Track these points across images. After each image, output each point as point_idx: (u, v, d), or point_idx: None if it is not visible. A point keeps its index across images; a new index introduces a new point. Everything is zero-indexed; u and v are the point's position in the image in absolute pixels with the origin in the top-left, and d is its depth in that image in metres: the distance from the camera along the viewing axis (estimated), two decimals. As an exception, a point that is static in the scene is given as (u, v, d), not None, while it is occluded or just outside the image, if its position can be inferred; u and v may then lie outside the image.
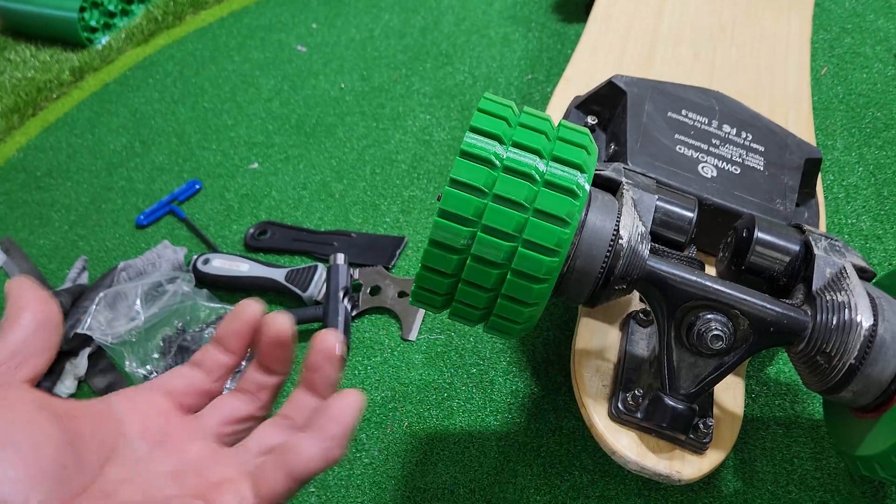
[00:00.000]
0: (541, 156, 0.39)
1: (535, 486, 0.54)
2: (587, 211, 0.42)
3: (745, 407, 0.54)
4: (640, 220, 0.43)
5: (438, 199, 0.40)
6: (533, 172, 0.39)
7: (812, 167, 0.58)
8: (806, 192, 0.59)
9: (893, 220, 0.62)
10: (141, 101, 1.02)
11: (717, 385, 0.49)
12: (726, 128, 0.59)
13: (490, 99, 0.41)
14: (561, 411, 0.57)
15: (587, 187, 0.40)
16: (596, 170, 0.46)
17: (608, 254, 0.41)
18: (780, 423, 0.53)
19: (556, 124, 0.43)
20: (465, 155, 0.39)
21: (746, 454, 0.52)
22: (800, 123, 0.68)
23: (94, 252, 0.82)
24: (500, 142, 0.39)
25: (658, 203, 0.46)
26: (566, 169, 0.39)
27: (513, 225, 0.38)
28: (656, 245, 0.45)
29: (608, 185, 0.47)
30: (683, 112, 0.60)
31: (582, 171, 0.39)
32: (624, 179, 0.46)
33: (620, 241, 0.41)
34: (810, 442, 0.52)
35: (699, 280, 0.43)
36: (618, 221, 0.42)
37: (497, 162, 0.39)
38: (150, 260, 0.75)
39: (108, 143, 0.97)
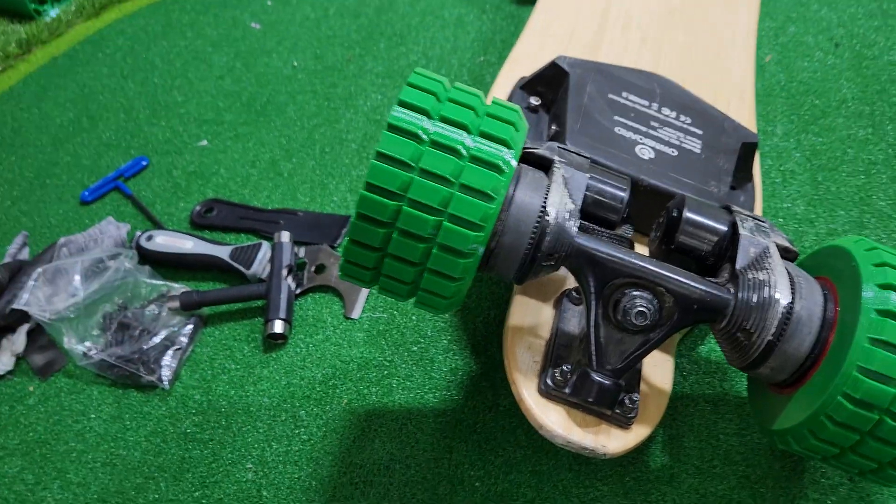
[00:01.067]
0: (468, 131, 0.40)
1: (469, 461, 0.55)
2: (515, 187, 0.42)
3: (676, 385, 0.55)
4: (569, 197, 0.44)
5: None
6: (459, 147, 0.39)
7: (748, 151, 0.60)
8: (742, 176, 0.60)
9: (826, 204, 0.64)
10: (89, 76, 1.00)
11: (646, 362, 0.50)
12: (666, 111, 0.60)
13: (420, 73, 0.41)
14: (498, 388, 0.58)
15: (514, 163, 0.40)
16: (529, 148, 0.47)
17: (535, 230, 0.42)
18: (708, 401, 0.55)
19: (490, 101, 0.43)
20: (392, 129, 0.39)
21: (675, 430, 0.54)
22: (742, 109, 0.69)
23: (37, 228, 0.80)
24: (428, 116, 0.39)
25: (591, 182, 0.46)
26: (493, 145, 0.40)
27: (438, 199, 0.38)
28: (586, 223, 0.46)
29: (542, 164, 0.47)
30: (624, 94, 0.60)
31: (509, 147, 0.40)
32: (556, 158, 0.47)
33: (547, 217, 0.42)
34: (736, 418, 0.54)
35: (625, 257, 0.43)
36: (546, 198, 0.42)
37: (424, 136, 0.39)
38: (93, 236, 0.74)
39: (54, 117, 0.95)
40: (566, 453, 0.54)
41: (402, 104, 0.39)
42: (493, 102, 0.42)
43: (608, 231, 0.46)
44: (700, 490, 0.51)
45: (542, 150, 0.47)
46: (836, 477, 0.50)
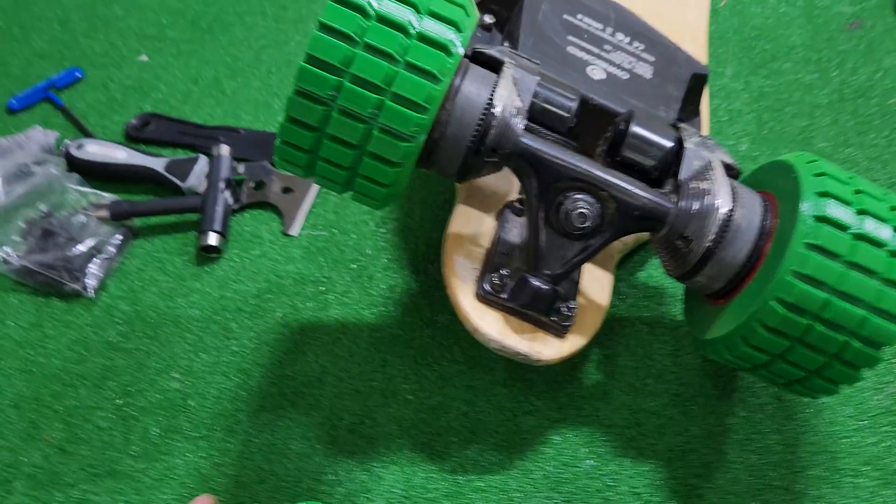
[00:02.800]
0: (417, 10, 0.38)
1: (403, 374, 0.54)
2: (462, 78, 0.41)
3: (614, 307, 0.55)
4: (517, 96, 0.43)
5: None
6: (407, 24, 0.37)
7: (698, 83, 0.59)
8: (691, 109, 0.60)
9: (769, 142, 0.65)
10: (23, -14, 0.95)
11: (585, 276, 0.50)
12: (619, 35, 0.60)
13: (371, -50, 0.39)
14: (436, 306, 0.57)
15: (461, 48, 0.39)
16: (480, 48, 0.45)
17: (481, 122, 0.40)
18: (644, 322, 0.55)
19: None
20: (337, 0, 0.37)
21: (610, 350, 0.54)
22: (695, 50, 0.69)
23: (-42, 134, 0.76)
24: (375, -9, 0.38)
25: (539, 89, 0.45)
26: (442, 25, 0.38)
27: (381, 76, 0.37)
28: (533, 125, 0.45)
29: (491, 67, 0.46)
30: (579, 16, 0.59)
31: (459, 29, 0.38)
32: (507, 59, 0.45)
33: (493, 110, 0.40)
34: (671, 340, 0.54)
35: (570, 160, 0.43)
36: (493, 92, 0.41)
37: (370, 10, 0.37)
38: (18, 142, 0.70)
39: (-18, 24, 0.89)
40: (501, 369, 0.53)
41: (349, -24, 0.37)
42: (443, -13, 0.41)
43: (553, 134, 0.45)
44: (632, 406, 0.51)
45: (492, 51, 0.46)
46: (765, 396, 0.51)
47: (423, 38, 0.37)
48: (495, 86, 0.42)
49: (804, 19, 0.74)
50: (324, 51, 0.37)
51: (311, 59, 0.37)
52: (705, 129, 0.62)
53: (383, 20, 0.37)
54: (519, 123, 0.42)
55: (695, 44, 0.69)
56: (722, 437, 0.50)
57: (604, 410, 0.51)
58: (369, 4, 0.37)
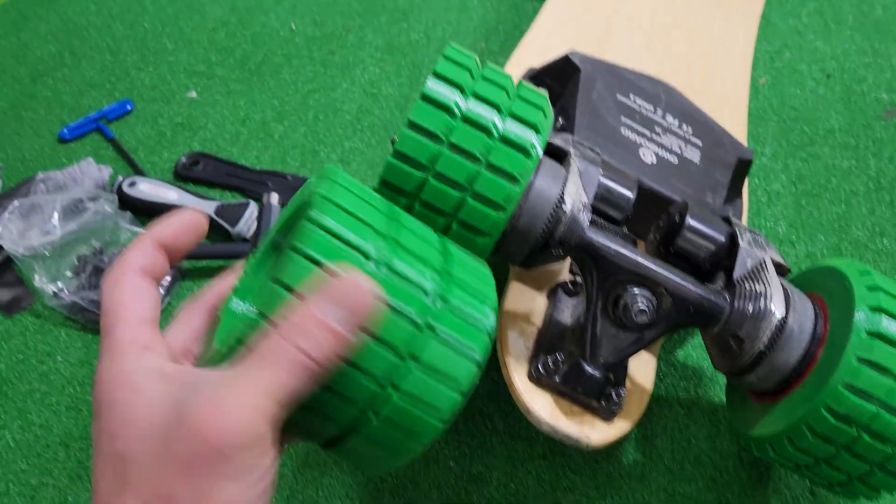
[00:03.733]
0: (500, 111, 0.40)
1: (445, 440, 0.55)
2: (535, 173, 0.42)
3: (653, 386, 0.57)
4: (584, 191, 0.45)
5: (392, 142, 0.40)
6: (491, 126, 0.39)
7: (743, 167, 0.61)
8: (733, 192, 0.62)
9: (807, 228, 0.66)
10: (75, 12, 0.97)
11: (631, 360, 0.51)
12: (670, 118, 0.61)
13: (456, 48, 0.41)
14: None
15: (540, 150, 0.40)
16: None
17: (551, 218, 0.42)
18: (682, 404, 0.56)
19: (517, 84, 0.43)
20: (427, 99, 0.39)
21: (648, 430, 0.55)
22: (735, 127, 0.71)
23: (10, 161, 0.78)
24: (462, 91, 0.39)
25: (601, 180, 0.47)
26: (523, 128, 0.40)
27: (465, 175, 0.39)
28: (595, 217, 0.47)
29: (555, 154, 0.48)
30: (632, 97, 0.61)
31: (538, 131, 0.40)
32: (572, 149, 0.47)
33: (564, 206, 0.42)
34: (708, 424, 0.55)
35: (632, 255, 0.44)
36: (563, 188, 0.43)
37: (457, 111, 0.39)
38: (73, 175, 0.72)
39: (34, 49, 0.91)
40: (541, 442, 0.55)
41: (438, 76, 0.39)
42: (522, 85, 0.43)
43: (614, 227, 0.47)
44: (669, 490, 0.52)
45: (558, 141, 0.48)
46: (798, 489, 0.52)
47: (506, 141, 0.39)
48: (565, 181, 0.43)
49: (842, 104, 0.76)
50: (412, 148, 0.38)
51: (399, 155, 0.38)
52: (745, 209, 0.64)
53: (469, 121, 0.39)
54: (585, 218, 0.43)
55: (734, 120, 0.71)
56: (756, 525, 0.51)
57: (641, 491, 0.52)
58: (456, 105, 0.39)
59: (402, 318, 0.28)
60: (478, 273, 0.32)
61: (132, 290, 0.29)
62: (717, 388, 0.57)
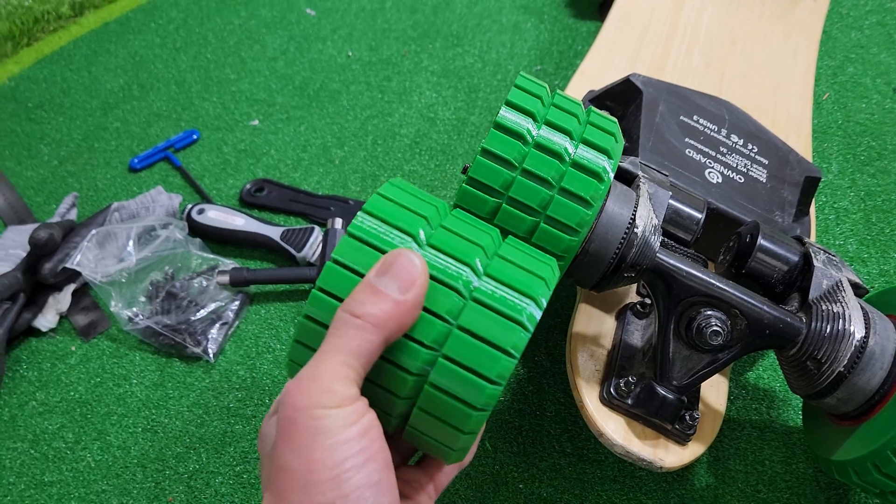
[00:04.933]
0: (571, 137, 0.40)
1: (514, 463, 0.55)
2: (606, 198, 0.43)
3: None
4: (654, 213, 0.45)
5: (464, 172, 0.40)
6: (563, 152, 0.39)
7: (810, 185, 0.60)
8: (800, 210, 0.61)
9: (878, 245, 0.65)
10: (141, 45, 1.00)
11: (703, 383, 0.51)
12: (734, 137, 0.61)
13: (526, 77, 0.42)
14: (545, 394, 0.59)
15: (612, 174, 0.41)
16: (613, 160, 0.47)
17: (622, 241, 0.42)
18: (754, 426, 0.55)
19: (587, 109, 0.44)
20: (500, 128, 0.39)
21: (721, 452, 0.54)
22: (799, 144, 0.70)
23: (84, 190, 0.81)
24: (534, 119, 0.40)
25: (669, 201, 0.47)
26: (594, 153, 0.40)
27: (538, 200, 0.39)
28: (665, 239, 0.46)
29: (623, 177, 0.48)
30: (695, 117, 0.61)
31: (609, 156, 0.40)
32: (640, 173, 0.47)
33: (636, 230, 0.42)
34: (782, 446, 0.54)
35: (704, 277, 0.44)
36: (634, 211, 0.43)
37: (529, 138, 0.39)
38: (144, 204, 0.74)
39: (104, 82, 0.95)
40: (610, 464, 0.54)
41: (510, 104, 0.40)
42: (592, 111, 0.43)
43: (685, 249, 0.47)
44: (743, 513, 0.52)
45: (626, 164, 0.48)
46: (880, 513, 0.51)
47: (578, 166, 0.39)
48: (636, 204, 0.43)
49: (910, 117, 0.74)
50: (485, 175, 0.39)
51: (474, 182, 0.39)
52: (813, 227, 0.63)
53: (541, 148, 0.39)
54: (656, 241, 0.43)
55: (798, 137, 0.70)
56: (836, 551, 0.50)
57: (715, 515, 0.52)
58: (528, 132, 0.39)
59: (447, 289, 0.30)
60: (531, 259, 0.33)
61: None
62: (789, 409, 0.56)
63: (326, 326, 0.30)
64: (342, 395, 0.27)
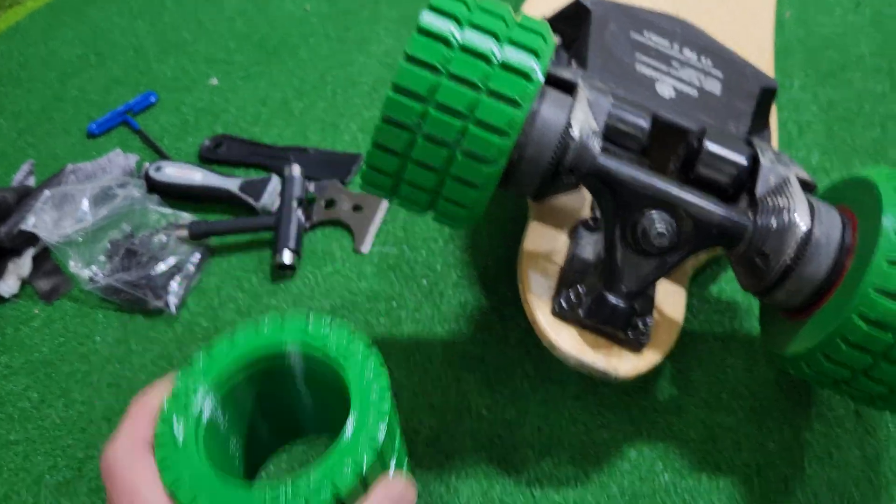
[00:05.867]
0: (498, 39, 0.39)
1: (477, 390, 0.55)
2: (540, 102, 0.42)
3: (686, 322, 0.55)
4: (593, 118, 0.44)
5: None
6: (489, 53, 0.38)
7: (767, 97, 0.59)
8: (760, 123, 0.60)
9: (840, 154, 0.64)
10: (98, 16, 0.99)
11: (660, 291, 0.50)
12: (687, 52, 0.60)
13: (449, -19, 0.41)
14: (508, 322, 0.58)
15: (541, 75, 0.40)
16: (553, 71, 0.46)
17: (559, 145, 0.41)
18: (717, 338, 0.55)
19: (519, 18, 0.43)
20: (422, 32, 0.38)
21: (683, 364, 0.54)
22: (762, 63, 0.69)
23: (43, 159, 0.80)
24: (458, 22, 0.39)
25: (612, 110, 0.46)
26: (523, 53, 0.39)
27: (465, 103, 0.38)
28: (608, 145, 0.46)
29: (564, 88, 0.47)
30: (646, 34, 0.60)
31: (538, 56, 0.39)
32: (580, 80, 0.46)
33: (571, 131, 0.41)
34: (744, 355, 0.54)
35: (646, 179, 0.43)
36: (570, 115, 0.42)
37: (453, 41, 0.38)
38: (101, 165, 0.73)
39: (61, 53, 0.94)
40: (573, 383, 0.54)
41: (433, 9, 0.39)
42: (523, 16, 0.42)
43: (627, 153, 0.46)
44: (707, 422, 0.51)
45: (565, 73, 0.47)
46: (842, 409, 0.51)
47: (506, 66, 0.39)
48: (572, 108, 0.42)
49: (873, 27, 0.73)
50: (410, 80, 0.38)
51: (398, 89, 0.38)
52: (774, 141, 0.62)
53: (466, 50, 0.38)
54: (596, 144, 0.43)
55: (761, 57, 0.69)
56: (799, 452, 0.50)
57: (678, 425, 0.51)
58: (452, 35, 0.38)
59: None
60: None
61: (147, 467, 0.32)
62: (752, 319, 0.56)
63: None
64: None
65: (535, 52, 0.39)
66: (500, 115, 0.38)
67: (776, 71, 0.72)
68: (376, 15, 0.91)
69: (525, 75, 0.39)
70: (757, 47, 0.70)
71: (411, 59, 0.38)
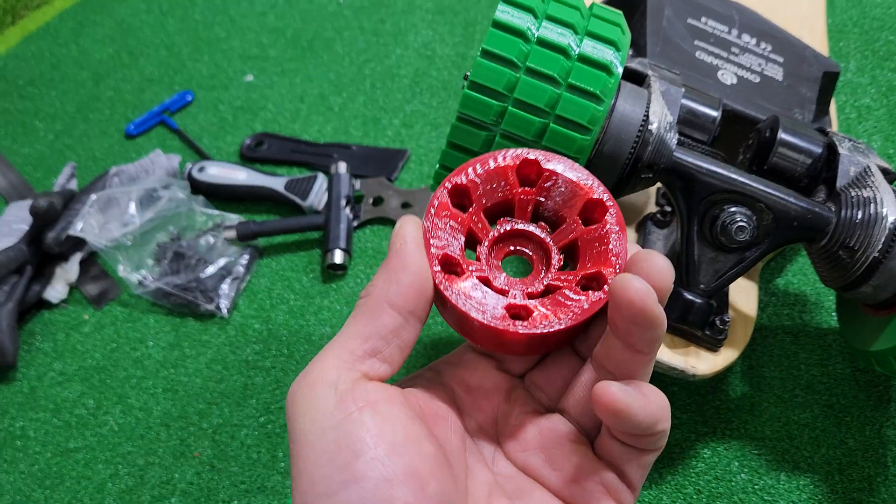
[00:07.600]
0: (575, 31, 0.38)
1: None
2: (616, 97, 0.40)
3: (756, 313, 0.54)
4: (668, 110, 0.42)
5: (465, 78, 0.38)
6: (567, 47, 0.37)
7: (829, 80, 0.57)
8: (820, 108, 0.58)
9: (905, 139, 0.62)
10: (127, 13, 0.98)
11: (732, 288, 0.49)
12: (746, 37, 0.58)
13: (521, -26, 0.39)
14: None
15: (620, 67, 0.38)
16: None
17: (637, 140, 0.40)
18: (787, 332, 0.54)
19: (590, 5, 0.41)
20: (498, 26, 0.37)
21: (754, 360, 0.53)
22: (814, 43, 0.67)
23: (83, 161, 0.79)
24: (534, 15, 0.38)
25: (684, 101, 0.45)
26: (601, 45, 0.38)
27: (545, 100, 0.37)
28: (682, 137, 0.44)
29: (633, 78, 0.45)
30: (703, 19, 0.58)
31: (617, 48, 0.38)
32: (650, 72, 0.45)
33: (650, 127, 0.40)
34: (818, 349, 0.52)
35: (725, 172, 0.42)
36: (647, 109, 0.41)
37: (530, 35, 0.37)
38: (144, 167, 0.73)
39: (93, 53, 0.93)
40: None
41: (508, 1, 0.38)
42: (595, 6, 0.41)
43: (703, 146, 0.44)
44: (782, 419, 0.50)
45: (634, 64, 0.46)
46: (925, 406, 0.49)
47: (585, 60, 0.37)
48: (648, 101, 0.41)
49: (929, 7, 0.71)
50: (487, 77, 0.37)
51: (475, 86, 0.37)
52: (834, 127, 0.60)
53: (544, 44, 0.37)
54: (672, 139, 0.41)
55: (813, 38, 0.67)
56: (882, 449, 0.48)
57: (752, 423, 0.50)
58: (529, 29, 0.37)
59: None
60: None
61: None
62: (822, 312, 0.54)
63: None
64: (336, 377, 0.26)
65: (614, 44, 0.38)
66: (582, 110, 0.37)
67: (831, 52, 0.70)
68: (411, 5, 0.89)
69: (605, 68, 0.37)
70: (809, 29, 0.68)
71: (488, 54, 0.37)
